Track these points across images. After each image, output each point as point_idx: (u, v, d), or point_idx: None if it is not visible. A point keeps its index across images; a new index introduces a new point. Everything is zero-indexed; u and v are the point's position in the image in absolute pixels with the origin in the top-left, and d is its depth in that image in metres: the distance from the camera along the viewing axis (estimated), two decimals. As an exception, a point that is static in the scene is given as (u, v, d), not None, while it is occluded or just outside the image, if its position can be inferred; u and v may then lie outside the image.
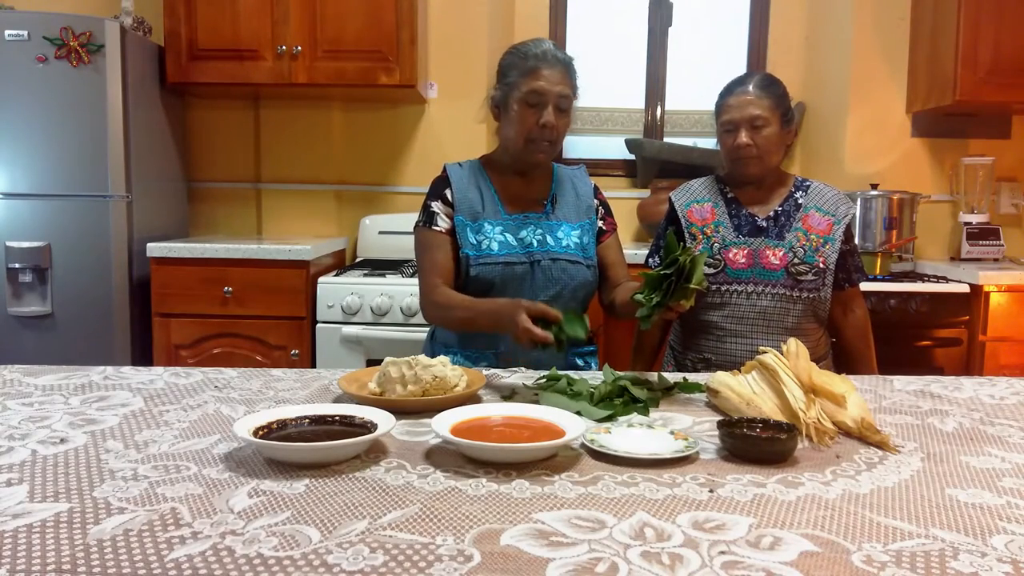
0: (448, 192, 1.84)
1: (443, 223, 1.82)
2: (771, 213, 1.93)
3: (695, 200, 1.99)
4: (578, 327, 1.48)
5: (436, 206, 1.84)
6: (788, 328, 1.85)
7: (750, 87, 1.88)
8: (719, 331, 1.90)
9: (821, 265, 1.88)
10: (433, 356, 1.84)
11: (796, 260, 1.87)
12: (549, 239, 1.82)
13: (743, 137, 1.86)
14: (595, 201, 1.93)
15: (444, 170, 1.89)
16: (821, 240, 1.89)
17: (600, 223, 1.92)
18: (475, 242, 1.79)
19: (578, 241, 1.84)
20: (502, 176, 1.88)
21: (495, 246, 1.79)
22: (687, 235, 1.95)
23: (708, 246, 1.92)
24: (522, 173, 1.86)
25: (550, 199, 1.88)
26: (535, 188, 1.88)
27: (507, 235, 1.81)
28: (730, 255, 1.90)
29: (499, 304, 1.62)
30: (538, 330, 1.45)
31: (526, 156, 1.80)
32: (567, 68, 1.78)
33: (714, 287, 1.89)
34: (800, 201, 1.94)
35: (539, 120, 1.74)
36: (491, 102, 1.85)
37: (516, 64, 1.77)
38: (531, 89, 1.74)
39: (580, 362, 1.87)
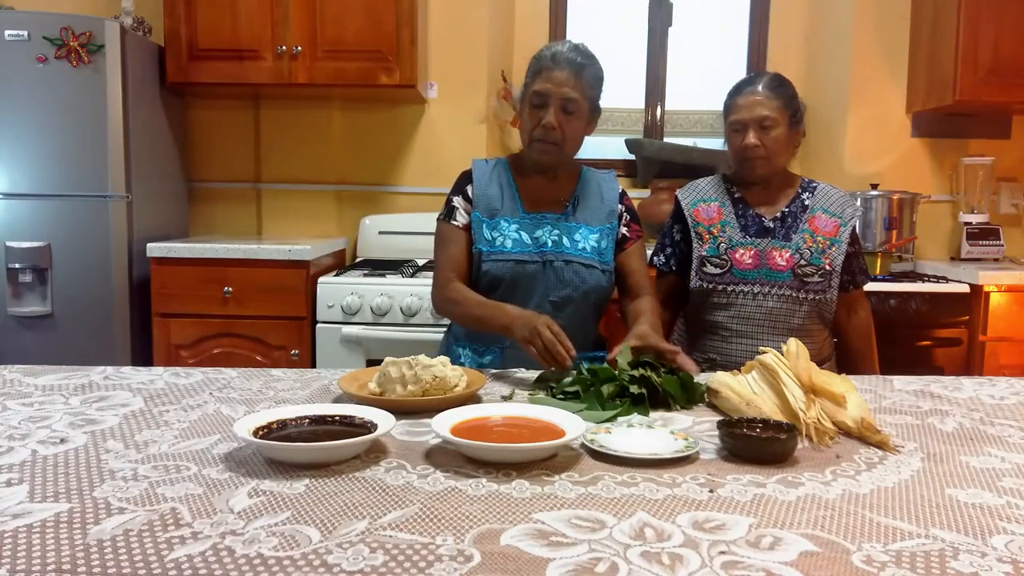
0: (469, 188, 1.86)
1: (461, 218, 1.84)
2: (778, 214, 1.93)
3: (702, 199, 1.99)
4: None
5: (456, 201, 1.86)
6: (793, 329, 1.85)
7: (759, 87, 1.88)
8: (724, 331, 1.90)
9: (827, 267, 1.88)
10: (448, 349, 1.85)
11: (803, 262, 1.87)
12: (565, 240, 1.81)
13: (751, 137, 1.86)
14: (620, 206, 1.90)
15: (472, 166, 1.91)
16: (828, 242, 1.89)
17: (624, 229, 1.89)
18: (490, 238, 1.80)
19: (596, 245, 1.83)
20: (525, 175, 1.88)
21: (509, 243, 1.80)
22: (693, 234, 1.95)
23: (714, 246, 1.92)
24: (544, 173, 1.86)
25: (572, 201, 1.86)
26: (558, 189, 1.87)
27: (522, 233, 1.81)
28: (736, 255, 1.90)
29: (520, 315, 1.61)
30: (559, 348, 1.48)
31: (533, 155, 1.81)
32: (579, 71, 1.75)
33: (720, 287, 1.89)
34: (807, 202, 1.94)
35: (541, 121, 1.74)
36: (517, 101, 1.86)
37: (531, 65, 1.80)
38: (535, 90, 1.75)
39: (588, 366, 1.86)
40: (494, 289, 1.79)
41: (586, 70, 1.76)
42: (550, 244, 1.81)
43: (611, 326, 2.88)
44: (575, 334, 1.81)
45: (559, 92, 1.73)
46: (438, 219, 1.88)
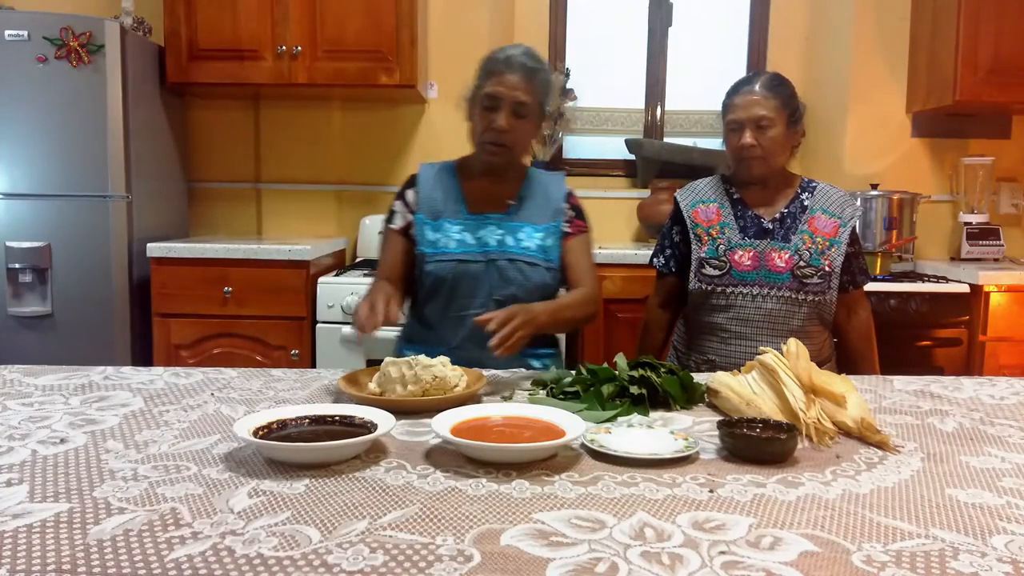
0: (410, 192, 1.89)
1: (399, 221, 1.87)
2: (777, 215, 1.93)
3: (701, 200, 1.99)
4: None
5: (397, 205, 1.90)
6: (793, 331, 1.84)
7: (756, 87, 1.88)
8: (724, 333, 1.90)
9: (827, 268, 1.87)
10: (399, 351, 1.84)
11: (802, 263, 1.87)
12: (509, 240, 1.81)
13: (747, 137, 1.86)
14: (565, 204, 1.90)
15: (418, 170, 1.93)
16: (827, 243, 1.89)
17: (565, 226, 1.88)
18: (433, 240, 1.81)
19: (540, 243, 1.82)
20: (471, 177, 1.88)
21: (452, 244, 1.80)
22: (692, 236, 1.95)
23: (713, 247, 1.91)
24: (489, 174, 1.86)
25: (517, 200, 1.86)
26: (503, 189, 1.87)
27: (465, 234, 1.82)
28: (735, 257, 1.89)
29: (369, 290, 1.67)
30: (363, 312, 1.54)
31: (483, 157, 1.81)
32: (531, 75, 1.76)
33: (719, 289, 1.89)
34: (806, 203, 1.94)
35: (492, 123, 1.75)
36: (465, 103, 1.85)
37: (483, 67, 1.80)
38: (487, 92, 1.75)
39: (537, 364, 1.85)
40: (438, 290, 1.80)
41: (538, 75, 1.77)
42: (493, 243, 1.81)
43: (614, 330, 2.88)
44: None
45: (511, 95, 1.74)
46: (384, 221, 1.92)
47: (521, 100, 1.74)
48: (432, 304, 1.83)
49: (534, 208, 1.86)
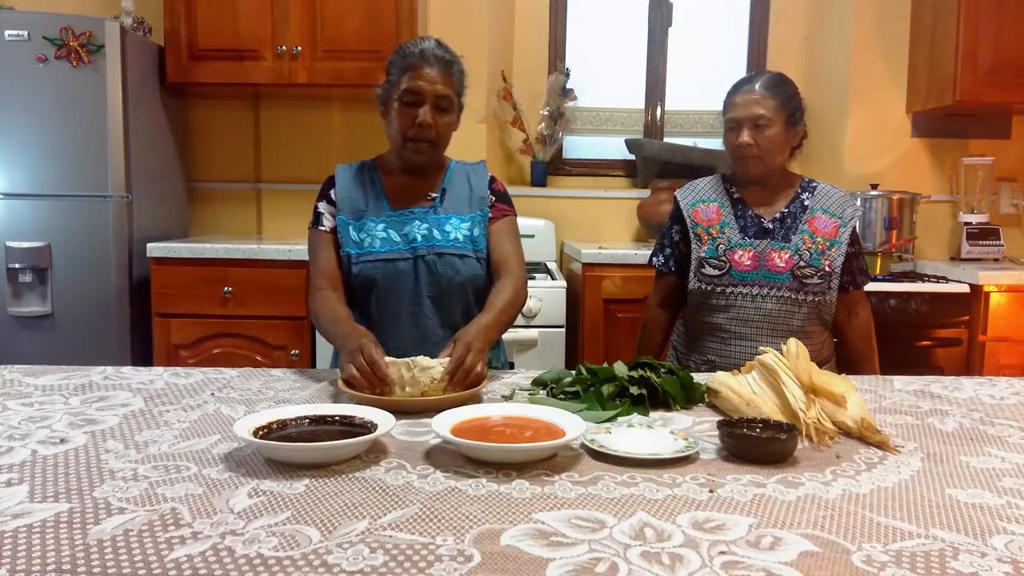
0: (332, 192, 1.83)
1: (328, 222, 1.80)
2: (777, 215, 1.93)
3: (701, 200, 1.99)
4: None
5: (321, 206, 1.83)
6: (793, 331, 1.84)
7: (756, 86, 1.88)
8: (723, 333, 1.90)
9: (827, 268, 1.87)
10: (336, 355, 1.77)
11: (802, 263, 1.86)
12: (436, 233, 1.76)
13: (744, 136, 1.86)
14: (488, 191, 1.85)
15: (335, 171, 1.88)
16: (827, 243, 1.89)
17: (489, 211, 1.83)
18: (358, 240, 1.76)
19: (468, 233, 1.78)
20: (391, 174, 1.84)
21: (377, 243, 1.75)
22: (692, 235, 1.95)
23: (713, 247, 1.91)
24: (411, 171, 1.82)
25: (440, 193, 1.82)
26: (425, 184, 1.83)
27: (390, 231, 1.77)
28: (735, 257, 1.89)
29: (347, 336, 1.52)
30: (359, 379, 1.36)
31: (406, 155, 1.77)
32: (448, 68, 1.73)
33: (719, 289, 1.89)
34: (806, 203, 1.94)
35: (416, 119, 1.71)
36: (377, 100, 1.81)
37: (397, 62, 1.75)
38: (407, 88, 1.71)
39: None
40: (369, 290, 1.75)
41: (454, 66, 1.74)
42: (420, 239, 1.76)
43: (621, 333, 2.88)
44: (460, 326, 1.65)
45: (433, 89, 1.70)
46: (309, 227, 1.84)
47: (442, 93, 1.71)
48: (365, 305, 1.78)
49: (458, 199, 1.82)
